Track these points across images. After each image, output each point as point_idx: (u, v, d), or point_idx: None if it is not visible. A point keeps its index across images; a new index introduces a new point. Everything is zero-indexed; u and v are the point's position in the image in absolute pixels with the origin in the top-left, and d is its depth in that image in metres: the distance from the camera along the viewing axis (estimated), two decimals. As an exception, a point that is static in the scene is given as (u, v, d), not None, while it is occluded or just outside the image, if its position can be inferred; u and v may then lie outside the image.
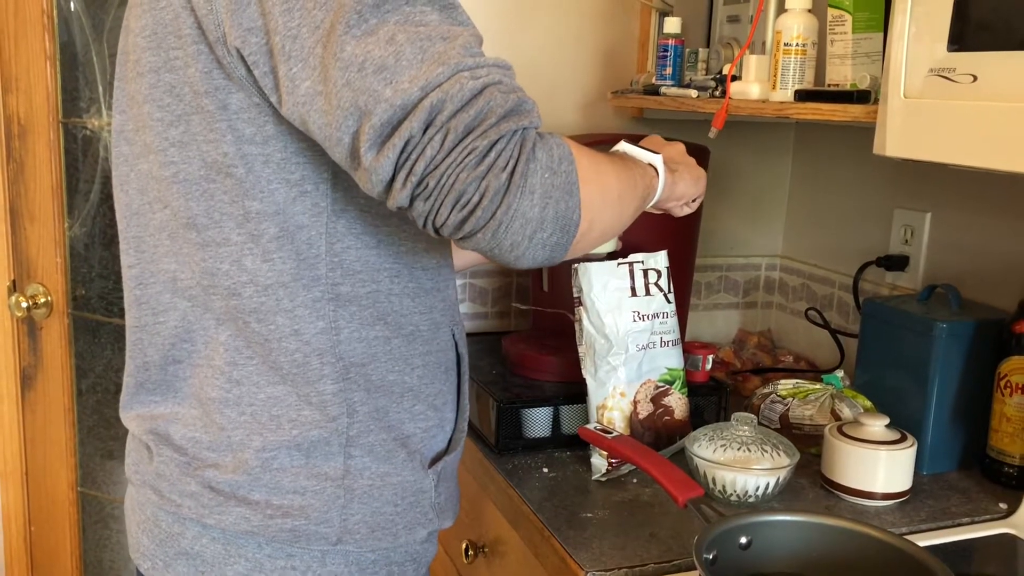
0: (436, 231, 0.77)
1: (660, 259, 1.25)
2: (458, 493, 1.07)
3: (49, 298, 1.94)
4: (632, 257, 1.22)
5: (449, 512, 1.03)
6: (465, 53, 0.75)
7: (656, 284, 1.24)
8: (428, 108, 0.72)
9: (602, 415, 1.22)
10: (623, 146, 0.99)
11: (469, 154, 0.73)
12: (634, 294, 1.22)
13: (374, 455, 0.93)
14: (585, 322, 1.21)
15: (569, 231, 0.79)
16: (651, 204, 1.00)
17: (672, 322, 1.26)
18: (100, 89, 1.87)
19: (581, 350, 1.23)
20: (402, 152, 0.73)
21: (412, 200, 0.75)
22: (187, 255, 0.89)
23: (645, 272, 1.23)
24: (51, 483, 2.03)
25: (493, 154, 0.73)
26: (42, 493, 2.04)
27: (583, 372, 1.23)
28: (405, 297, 0.93)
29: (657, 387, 1.25)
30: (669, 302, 1.25)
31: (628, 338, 1.21)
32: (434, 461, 0.99)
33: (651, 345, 1.24)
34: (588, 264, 1.19)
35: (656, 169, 0.98)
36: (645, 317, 1.23)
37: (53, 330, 1.96)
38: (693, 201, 1.11)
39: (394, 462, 0.94)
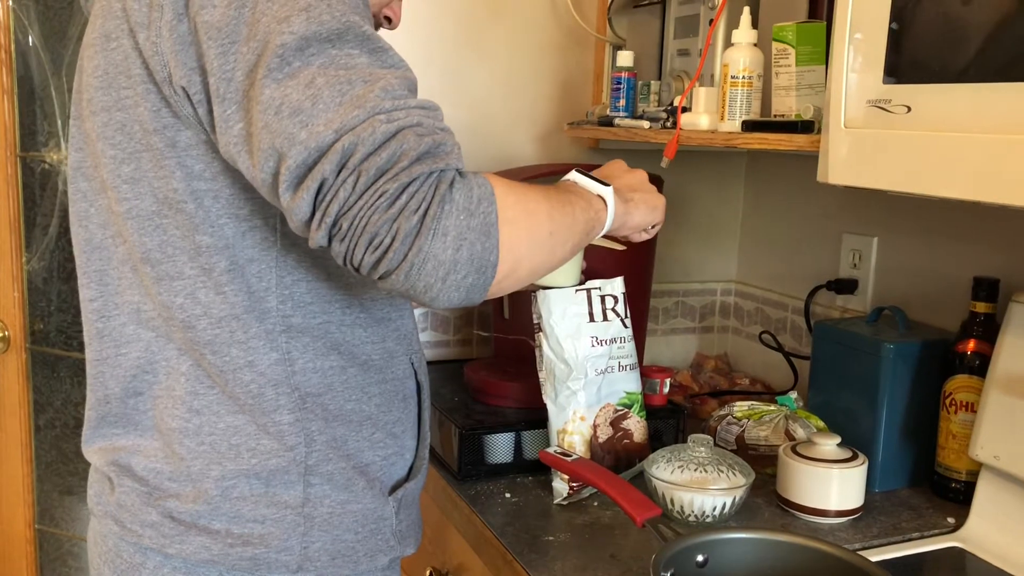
0: (356, 270, 0.78)
1: (617, 285, 1.27)
2: (420, 520, 1.08)
3: (6, 332, 1.92)
4: (590, 283, 1.24)
5: (411, 539, 1.04)
6: (384, 96, 0.76)
7: (613, 310, 1.26)
8: (341, 151, 0.73)
9: (563, 439, 1.24)
10: (574, 175, 0.99)
11: (380, 196, 0.73)
12: (592, 319, 1.24)
13: (333, 483, 0.94)
14: (545, 348, 1.23)
15: (486, 272, 0.78)
16: (600, 235, 1.00)
17: (630, 347, 1.29)
18: (59, 123, 1.87)
19: (541, 375, 1.25)
20: (317, 194, 0.74)
21: (329, 240, 0.76)
22: (147, 287, 0.91)
23: (603, 298, 1.25)
24: (8, 521, 2.00)
25: (405, 196, 0.74)
26: (-2, 531, 2.01)
27: (544, 397, 1.25)
28: (357, 327, 0.94)
29: (616, 411, 1.27)
30: (626, 327, 1.28)
31: (587, 363, 1.23)
32: (394, 488, 1.00)
33: (609, 369, 1.26)
34: (547, 291, 1.22)
35: (605, 200, 0.98)
36: (603, 342, 1.25)
37: (10, 365, 1.94)
38: (653, 227, 1.11)
39: (354, 490, 0.95)
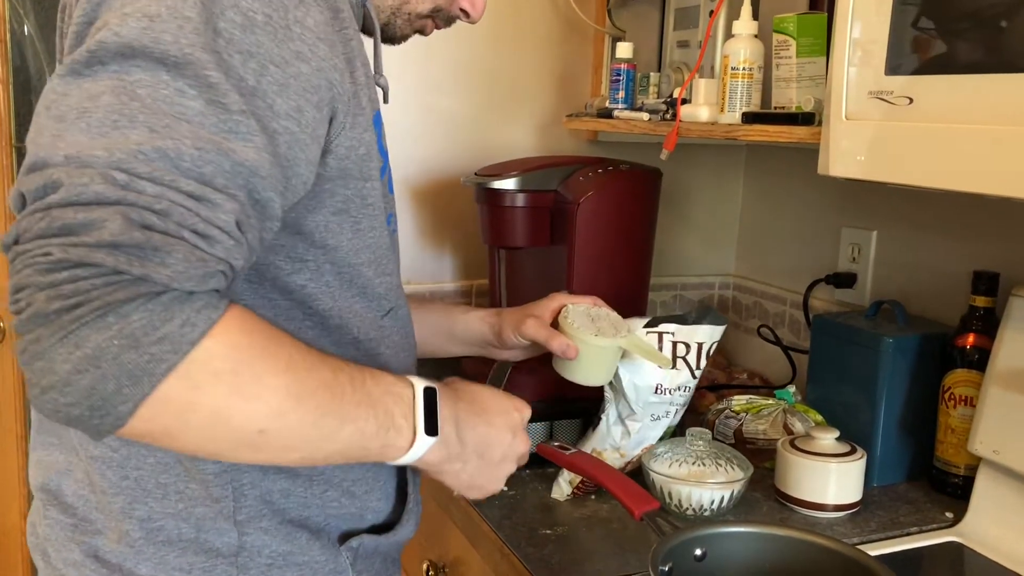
0: None
1: (697, 333, 1.19)
2: (396, 568, 0.96)
3: (2, 324, 1.91)
4: (663, 327, 1.17)
5: None
6: (154, 158, 0.61)
7: (684, 358, 1.19)
8: (47, 181, 0.60)
9: (589, 450, 1.22)
10: (417, 392, 0.77)
11: (44, 256, 0.59)
12: (660, 366, 1.17)
13: (271, 534, 0.82)
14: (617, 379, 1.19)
15: (105, 419, 0.60)
16: (405, 463, 0.78)
17: (689, 393, 1.24)
18: (54, 113, 1.86)
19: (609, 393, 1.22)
20: (12, 204, 0.64)
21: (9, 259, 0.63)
22: None
23: (675, 344, 1.18)
24: (3, 512, 2.00)
25: (65, 275, 0.58)
26: (-7, 523, 2.00)
27: (606, 402, 1.22)
28: None
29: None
30: (695, 376, 1.22)
31: (647, 408, 1.20)
32: (347, 536, 0.87)
33: (665, 415, 1.23)
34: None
35: (413, 443, 0.76)
36: (667, 391, 1.19)
37: (6, 357, 1.93)
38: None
39: (296, 541, 0.83)
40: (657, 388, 1.18)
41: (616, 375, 1.17)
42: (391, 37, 0.97)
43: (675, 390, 1.20)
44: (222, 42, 0.66)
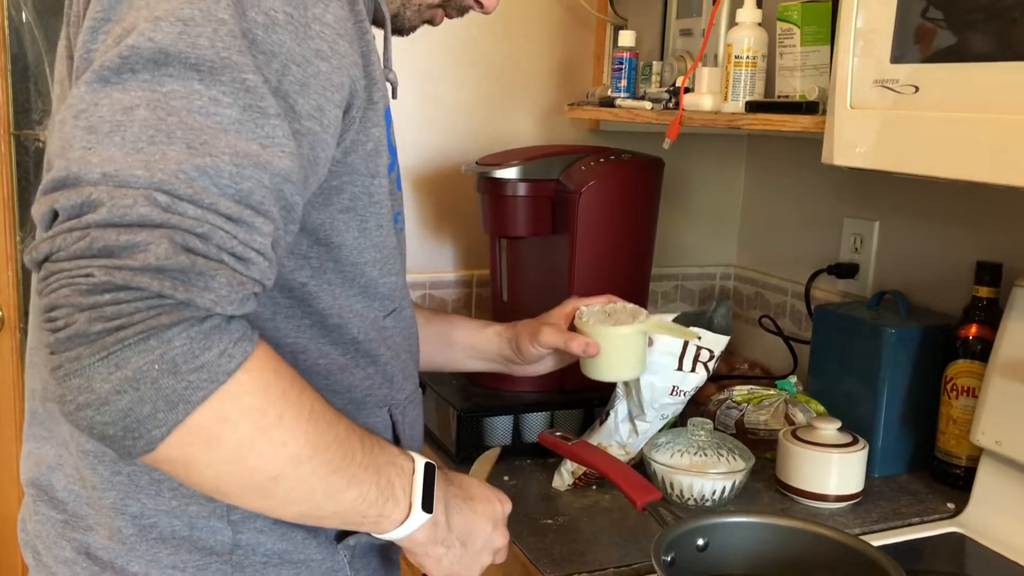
0: None
1: (718, 343, 1.18)
2: (395, 567, 0.94)
3: (1, 313, 1.91)
4: (692, 330, 1.15)
5: None
6: (195, 177, 0.60)
7: (705, 364, 1.18)
8: (85, 199, 0.59)
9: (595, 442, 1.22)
10: (419, 469, 0.77)
11: (85, 277, 0.58)
12: (680, 368, 1.16)
13: (266, 533, 0.80)
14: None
15: (137, 442, 0.61)
16: (388, 539, 0.78)
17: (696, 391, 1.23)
18: (53, 102, 1.85)
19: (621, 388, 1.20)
20: (42, 220, 0.61)
21: (34, 270, 0.62)
22: None
23: (699, 350, 1.17)
24: (2, 501, 1.99)
25: (108, 298, 0.58)
26: (-8, 512, 2.00)
27: (616, 398, 1.20)
28: (315, 375, 0.80)
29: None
30: (707, 378, 1.21)
31: (660, 410, 1.19)
32: (344, 534, 0.84)
33: (673, 414, 1.22)
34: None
35: (407, 518, 0.76)
36: (682, 393, 1.19)
37: (4, 345, 1.93)
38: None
39: (292, 540, 0.81)
40: (673, 389, 1.17)
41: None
42: (400, 28, 0.95)
43: (690, 391, 1.19)
44: (247, 43, 0.65)
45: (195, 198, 0.60)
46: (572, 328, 1.09)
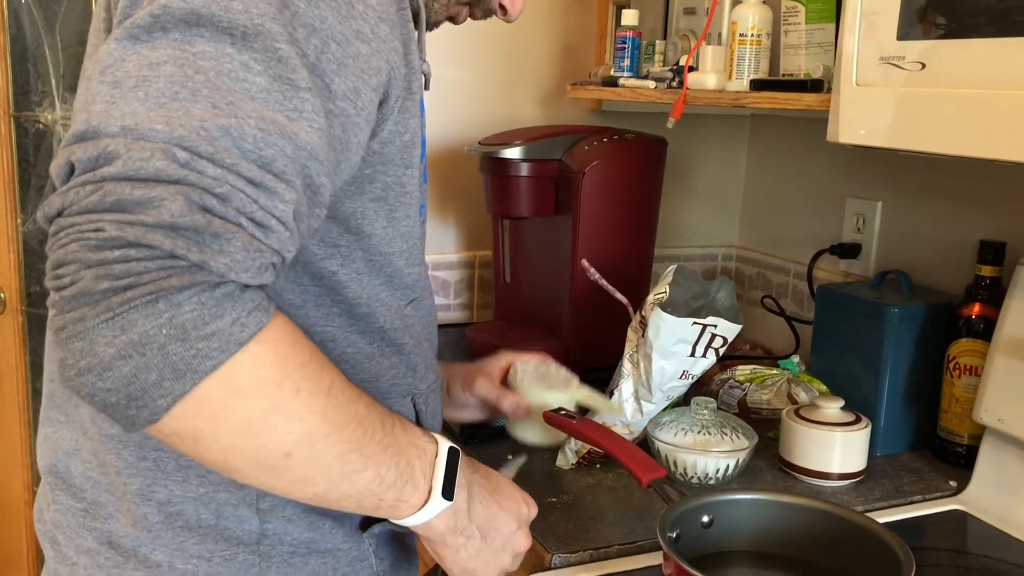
0: None
1: (732, 331, 1.17)
2: (415, 553, 0.93)
3: (2, 295, 1.91)
4: (710, 319, 1.15)
5: None
6: (217, 136, 0.58)
7: (717, 349, 1.17)
8: (102, 150, 0.57)
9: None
10: (442, 452, 0.76)
11: (95, 231, 0.56)
12: (692, 355, 1.16)
13: (294, 523, 0.79)
14: (642, 355, 1.18)
15: (139, 412, 0.58)
16: (405, 525, 0.76)
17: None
18: (53, 83, 1.85)
19: (631, 350, 1.20)
20: (57, 175, 0.60)
21: (46, 228, 0.60)
22: None
23: (713, 336, 1.16)
24: (6, 484, 2.00)
25: (117, 254, 0.55)
26: (-4, 494, 2.01)
27: (620, 377, 1.20)
28: (343, 364, 0.78)
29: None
30: (716, 361, 1.21)
31: (668, 392, 1.19)
32: (369, 523, 0.83)
33: (677, 396, 1.22)
34: (665, 313, 1.14)
35: (426, 503, 0.74)
36: (691, 376, 1.19)
37: (7, 328, 1.93)
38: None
39: (319, 529, 0.80)
40: (683, 374, 1.17)
41: (647, 356, 1.16)
42: (424, 21, 0.92)
43: (698, 374, 1.19)
44: (287, 14, 0.63)
45: (216, 157, 0.58)
46: (504, 383, 1.09)
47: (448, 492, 0.74)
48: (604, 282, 1.28)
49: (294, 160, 0.61)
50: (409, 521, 0.75)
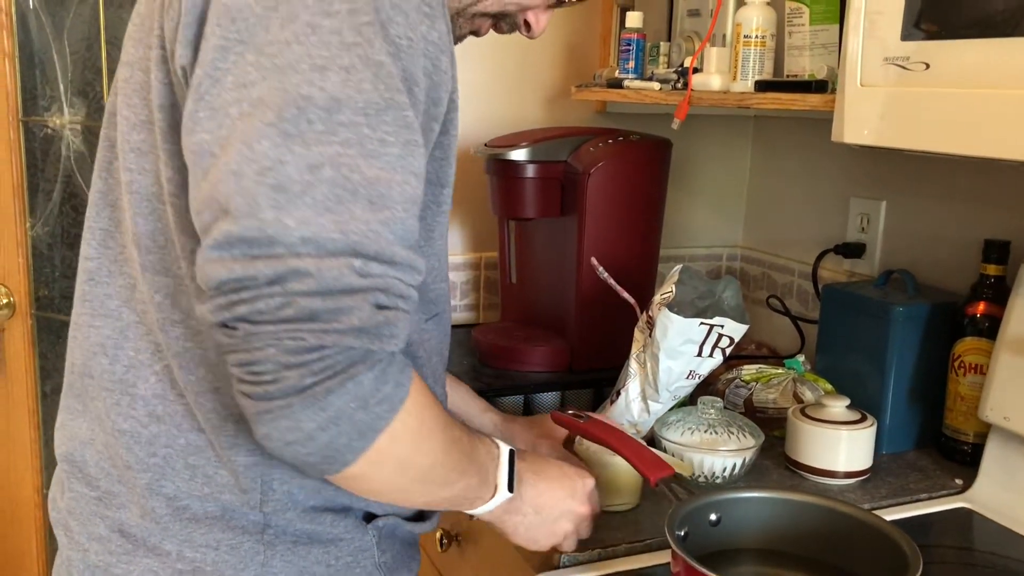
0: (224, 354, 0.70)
1: (739, 331, 1.19)
2: (416, 548, 0.96)
3: (11, 299, 1.92)
4: (717, 319, 1.17)
5: (402, 571, 0.92)
6: (380, 232, 0.66)
7: (723, 349, 1.19)
8: (289, 268, 0.64)
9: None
10: (503, 455, 0.87)
11: (294, 341, 0.65)
12: (699, 354, 1.18)
13: (299, 517, 0.83)
14: (649, 355, 1.19)
15: (331, 465, 0.70)
16: (474, 513, 0.87)
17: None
18: (61, 87, 1.86)
19: (638, 350, 1.21)
20: (236, 282, 0.65)
21: (218, 326, 0.67)
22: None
23: (720, 336, 1.18)
24: (16, 486, 2.01)
25: (315, 356, 0.65)
26: (6, 496, 2.02)
27: (628, 377, 1.21)
28: None
29: None
30: (723, 362, 1.23)
31: (674, 392, 1.20)
32: (373, 516, 0.88)
33: (683, 395, 1.23)
34: (672, 314, 1.16)
35: (494, 495, 0.86)
36: (698, 376, 1.20)
37: (16, 331, 1.94)
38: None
39: (322, 522, 0.84)
40: (690, 374, 1.18)
41: (655, 356, 1.17)
42: None
43: (705, 374, 1.20)
44: (408, 80, 0.70)
45: (380, 255, 0.67)
46: (566, 444, 1.13)
47: (511, 485, 0.87)
48: (612, 281, 1.29)
49: (415, 220, 0.70)
50: (478, 511, 0.87)
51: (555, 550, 0.98)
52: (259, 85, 0.66)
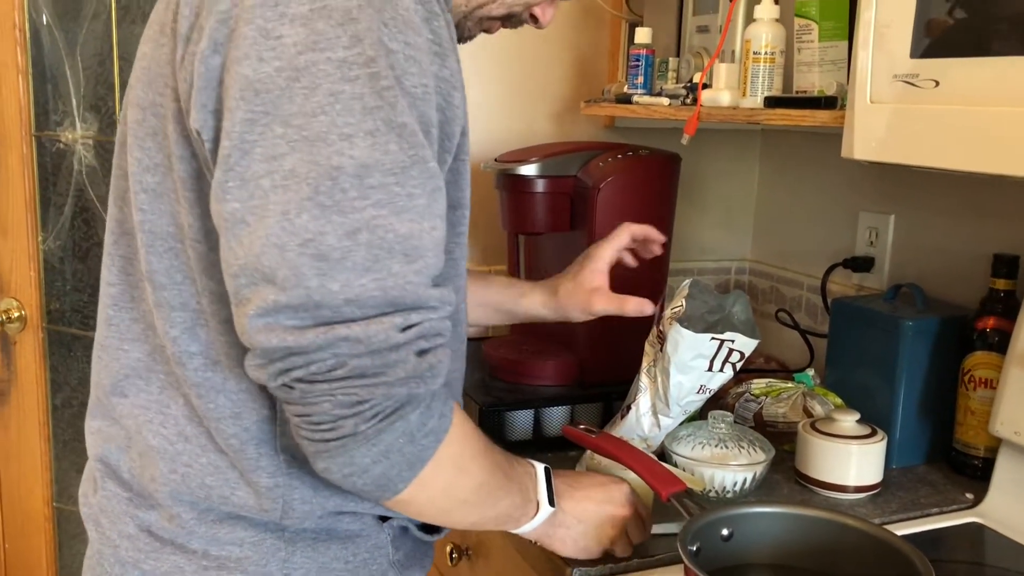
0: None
1: (750, 345, 1.20)
2: (429, 547, 0.99)
3: (23, 312, 1.93)
4: (728, 334, 1.17)
5: (415, 569, 0.95)
6: (416, 281, 0.71)
7: (734, 364, 1.20)
8: (339, 336, 0.69)
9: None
10: (539, 474, 0.93)
11: (347, 396, 0.71)
12: (710, 369, 1.19)
13: (317, 521, 0.87)
14: (659, 369, 1.20)
15: (384, 492, 0.77)
16: (522, 533, 0.94)
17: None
18: (73, 103, 1.87)
19: (648, 365, 1.22)
20: (287, 349, 0.70)
21: (272, 383, 0.73)
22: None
23: (731, 351, 1.18)
24: (26, 498, 2.01)
25: (366, 406, 0.72)
26: (17, 509, 2.02)
27: (638, 391, 1.22)
28: None
29: None
30: (733, 376, 1.23)
31: (685, 406, 1.21)
32: (386, 517, 0.91)
33: (694, 410, 1.24)
34: (683, 328, 1.16)
35: (538, 513, 0.93)
36: (708, 391, 1.20)
37: (27, 344, 1.95)
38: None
39: (340, 520, 0.88)
40: (700, 388, 1.19)
41: (665, 371, 1.17)
42: (459, 37, 0.95)
43: (715, 389, 1.21)
44: (431, 132, 0.74)
45: (418, 304, 0.72)
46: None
47: (551, 500, 0.93)
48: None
49: (443, 257, 0.75)
50: (525, 528, 0.93)
51: (608, 555, 1.01)
52: (289, 157, 0.69)
